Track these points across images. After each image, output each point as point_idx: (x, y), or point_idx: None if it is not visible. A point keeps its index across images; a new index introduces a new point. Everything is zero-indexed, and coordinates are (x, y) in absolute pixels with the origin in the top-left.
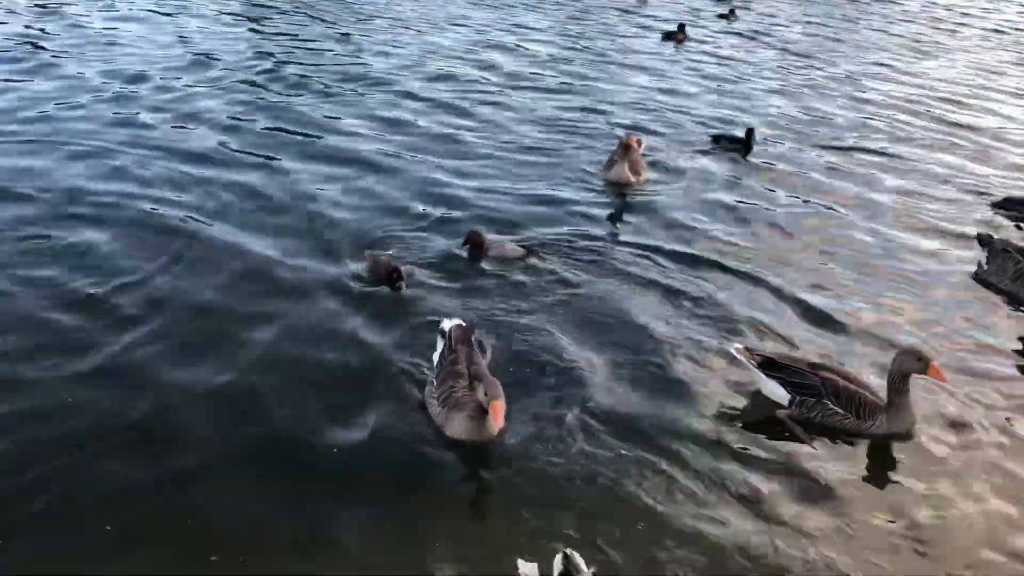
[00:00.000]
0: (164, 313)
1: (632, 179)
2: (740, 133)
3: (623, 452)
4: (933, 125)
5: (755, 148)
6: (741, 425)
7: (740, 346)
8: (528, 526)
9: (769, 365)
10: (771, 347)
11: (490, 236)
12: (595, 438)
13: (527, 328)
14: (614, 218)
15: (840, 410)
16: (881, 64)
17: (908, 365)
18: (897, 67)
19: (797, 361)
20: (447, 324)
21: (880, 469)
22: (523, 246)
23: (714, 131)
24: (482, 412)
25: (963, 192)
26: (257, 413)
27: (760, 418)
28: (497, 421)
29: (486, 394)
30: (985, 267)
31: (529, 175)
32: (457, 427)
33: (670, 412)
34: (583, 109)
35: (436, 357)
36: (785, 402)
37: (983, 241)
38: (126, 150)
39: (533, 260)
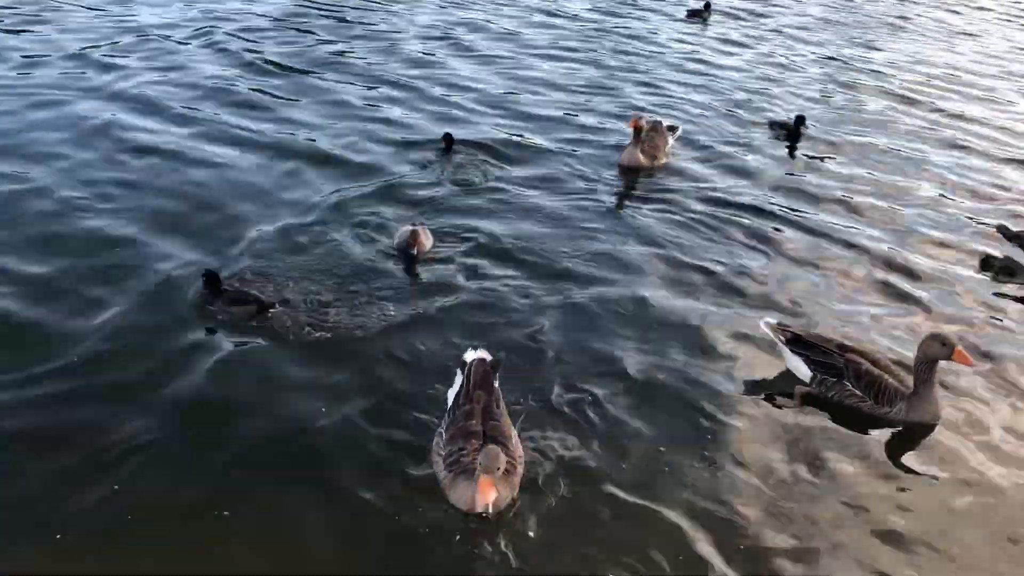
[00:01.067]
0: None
1: (645, 163)
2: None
3: (644, 417)
4: (965, 110)
5: (803, 135)
6: (761, 398)
7: (772, 321)
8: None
9: (796, 342)
10: (802, 324)
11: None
12: (621, 403)
13: (539, 318)
14: (624, 199)
15: (858, 392)
16: (912, 44)
17: (932, 350)
18: (928, 51)
19: (827, 341)
20: (469, 355)
21: (895, 457)
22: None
23: (766, 115)
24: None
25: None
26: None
27: (780, 393)
28: (481, 497)
29: (481, 464)
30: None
31: (544, 158)
32: (461, 496)
33: (695, 382)
34: (604, 91)
35: (451, 395)
36: (807, 379)
37: (1009, 236)
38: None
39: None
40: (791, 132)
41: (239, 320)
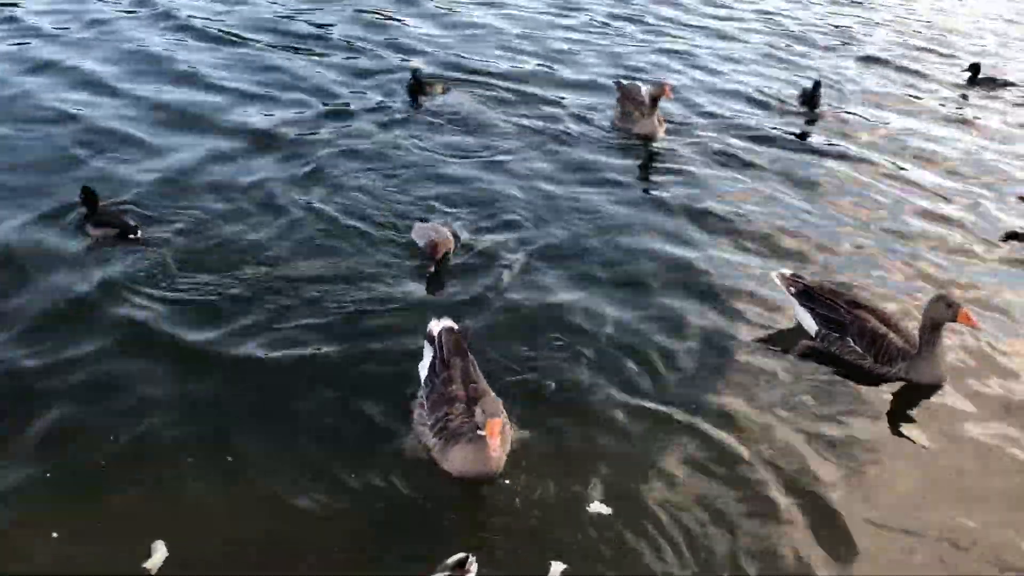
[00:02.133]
0: None
1: (661, 132)
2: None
3: (651, 367)
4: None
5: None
6: (768, 350)
7: (786, 272)
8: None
9: (805, 295)
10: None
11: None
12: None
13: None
14: (646, 171)
15: (859, 350)
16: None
17: (937, 312)
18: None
19: (837, 295)
20: (435, 327)
21: (894, 417)
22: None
23: (777, 79)
24: (484, 439)
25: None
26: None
27: (787, 346)
28: (492, 441)
29: (483, 411)
30: None
31: (537, 134)
32: (457, 460)
33: (702, 331)
34: (597, 49)
35: (424, 369)
36: (813, 333)
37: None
38: None
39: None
40: (808, 97)
41: (102, 244)
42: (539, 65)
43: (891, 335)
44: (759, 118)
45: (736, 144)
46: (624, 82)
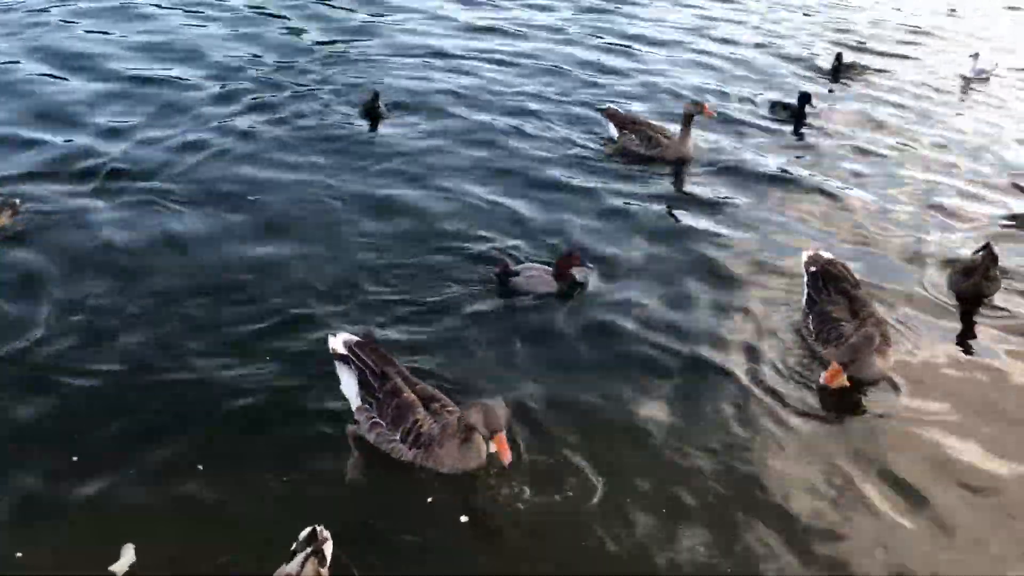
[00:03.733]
0: None
1: (694, 153)
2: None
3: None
4: None
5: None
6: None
7: (824, 254)
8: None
9: (815, 275)
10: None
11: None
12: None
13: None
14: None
15: (811, 327)
16: None
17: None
18: None
19: (839, 280)
20: (338, 344)
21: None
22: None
23: (757, 94)
24: (468, 437)
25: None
26: None
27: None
28: (505, 456)
29: (488, 429)
30: None
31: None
32: (448, 460)
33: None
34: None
35: (351, 389)
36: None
37: None
38: None
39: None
40: (795, 112)
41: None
42: (515, 80)
43: (845, 324)
44: (761, 131)
45: (747, 158)
46: (609, 107)
